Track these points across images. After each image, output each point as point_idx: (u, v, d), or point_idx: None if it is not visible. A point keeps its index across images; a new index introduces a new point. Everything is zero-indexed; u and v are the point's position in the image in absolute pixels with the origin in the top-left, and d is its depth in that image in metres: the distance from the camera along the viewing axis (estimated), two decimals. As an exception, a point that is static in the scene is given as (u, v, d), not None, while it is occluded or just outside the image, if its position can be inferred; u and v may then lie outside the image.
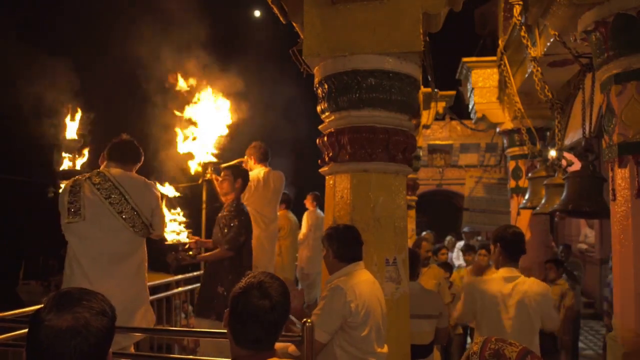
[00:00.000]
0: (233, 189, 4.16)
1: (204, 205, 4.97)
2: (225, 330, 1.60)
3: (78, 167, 3.73)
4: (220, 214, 4.22)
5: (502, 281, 3.07)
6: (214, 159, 4.80)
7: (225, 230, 4.06)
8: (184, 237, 4.08)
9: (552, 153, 5.58)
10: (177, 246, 3.97)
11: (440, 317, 3.87)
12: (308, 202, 7.30)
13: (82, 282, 2.89)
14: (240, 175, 4.21)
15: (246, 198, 4.56)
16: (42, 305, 1.21)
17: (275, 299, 1.55)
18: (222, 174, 4.28)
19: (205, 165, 4.76)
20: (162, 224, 3.31)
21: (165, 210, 3.68)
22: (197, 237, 4.39)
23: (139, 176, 3.25)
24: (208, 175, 4.68)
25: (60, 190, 3.07)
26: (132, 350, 3.16)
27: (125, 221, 3.04)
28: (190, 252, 4.08)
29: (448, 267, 6.39)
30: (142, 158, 3.38)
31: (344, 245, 2.66)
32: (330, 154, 2.94)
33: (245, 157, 5.00)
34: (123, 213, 3.03)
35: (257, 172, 4.81)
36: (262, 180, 4.76)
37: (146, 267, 3.28)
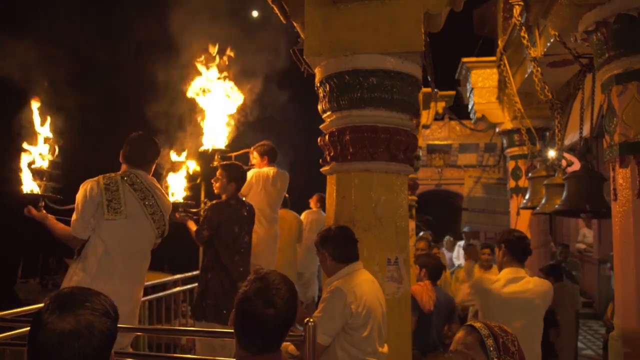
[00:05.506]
0: (225, 190, 4.13)
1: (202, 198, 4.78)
2: (221, 330, 1.59)
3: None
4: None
5: (508, 281, 3.06)
6: (221, 147, 4.52)
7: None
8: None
9: (552, 153, 5.58)
10: (177, 206, 3.88)
11: None
12: (312, 203, 7.25)
13: (109, 281, 2.85)
14: (234, 178, 4.13)
15: (250, 195, 4.57)
16: (44, 306, 1.18)
17: (280, 307, 1.50)
18: (217, 172, 4.21)
19: (212, 153, 4.50)
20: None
21: None
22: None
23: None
24: (215, 163, 4.44)
25: (89, 187, 2.93)
26: (130, 349, 3.14)
27: (154, 223, 3.09)
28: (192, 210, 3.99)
29: None
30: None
31: (339, 246, 2.64)
32: (332, 153, 2.93)
33: (252, 149, 4.93)
34: (154, 215, 3.09)
35: (266, 170, 4.80)
36: (271, 180, 4.76)
37: None
